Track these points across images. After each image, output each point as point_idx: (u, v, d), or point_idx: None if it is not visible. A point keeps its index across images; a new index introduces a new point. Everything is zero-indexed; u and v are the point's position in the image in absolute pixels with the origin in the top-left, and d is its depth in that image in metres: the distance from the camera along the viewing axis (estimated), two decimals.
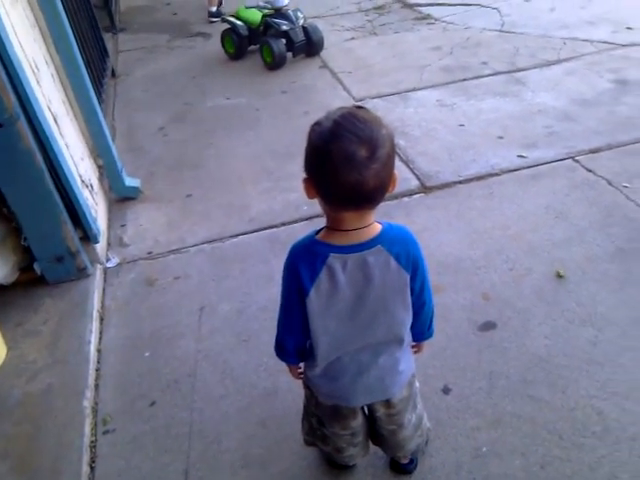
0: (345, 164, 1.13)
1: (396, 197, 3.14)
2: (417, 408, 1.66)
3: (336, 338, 1.40)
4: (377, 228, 1.30)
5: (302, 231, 3.03)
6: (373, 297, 1.33)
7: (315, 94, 4.55)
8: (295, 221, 3.09)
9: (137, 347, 2.41)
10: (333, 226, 1.29)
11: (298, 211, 3.15)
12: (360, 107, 1.22)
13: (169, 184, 3.54)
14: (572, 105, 3.94)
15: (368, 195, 1.19)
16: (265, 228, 3.07)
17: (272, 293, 2.61)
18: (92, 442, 2.03)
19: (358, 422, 1.60)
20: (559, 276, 2.53)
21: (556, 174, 3.25)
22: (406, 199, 3.16)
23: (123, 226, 3.19)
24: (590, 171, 3.22)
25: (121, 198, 3.40)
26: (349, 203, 1.22)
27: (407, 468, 1.82)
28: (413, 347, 1.58)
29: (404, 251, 1.31)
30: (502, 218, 2.95)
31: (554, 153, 3.42)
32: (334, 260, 1.28)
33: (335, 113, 1.18)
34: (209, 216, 3.20)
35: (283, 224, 3.08)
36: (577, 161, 3.33)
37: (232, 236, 3.03)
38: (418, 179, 3.31)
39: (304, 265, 1.31)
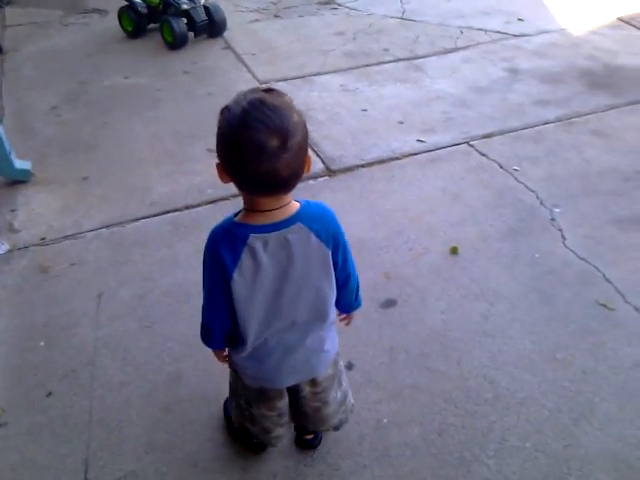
0: (255, 155, 1.11)
1: (302, 180, 3.14)
2: (342, 385, 1.68)
3: (263, 319, 1.38)
4: (295, 206, 1.30)
5: (207, 214, 3.03)
6: (297, 274, 1.33)
7: (218, 75, 4.47)
8: (199, 204, 3.04)
9: (31, 337, 2.29)
10: (250, 208, 1.27)
11: (202, 194, 3.10)
12: (270, 90, 1.19)
13: (63, 166, 3.37)
14: (468, 92, 4.12)
15: (281, 183, 1.19)
16: (168, 212, 2.99)
17: (176, 277, 2.56)
18: None
19: (284, 402, 1.60)
20: (454, 254, 2.66)
21: (452, 158, 3.39)
22: (312, 182, 3.19)
23: (13, 211, 3.01)
24: (484, 155, 3.39)
25: (11, 182, 3.20)
26: (262, 190, 1.21)
27: (312, 443, 1.86)
28: (343, 319, 1.64)
29: (323, 227, 1.32)
30: (402, 200, 3.05)
31: (451, 138, 3.57)
32: (255, 240, 1.26)
33: (244, 99, 1.14)
34: (107, 200, 3.08)
35: (187, 207, 3.02)
36: (472, 146, 3.49)
37: (132, 220, 2.93)
38: (323, 162, 3.35)
39: (225, 248, 1.28)
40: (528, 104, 3.93)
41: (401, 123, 3.74)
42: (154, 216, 2.97)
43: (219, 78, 4.43)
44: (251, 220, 1.27)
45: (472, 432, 1.92)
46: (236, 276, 1.29)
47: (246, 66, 4.58)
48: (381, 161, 3.37)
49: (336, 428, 1.80)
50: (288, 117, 1.14)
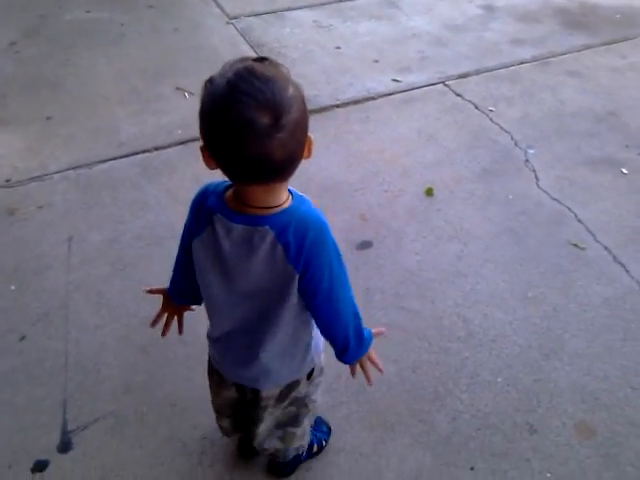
0: (244, 135, 0.94)
1: None
2: (295, 415, 1.48)
3: (216, 301, 1.26)
4: (282, 205, 1.10)
5: (177, 156, 2.96)
6: (254, 277, 1.15)
7: (185, 10, 4.29)
8: (169, 145, 2.96)
9: (1, 281, 2.24)
10: (237, 193, 1.11)
11: (172, 135, 3.02)
12: (262, 59, 1.01)
13: (25, 106, 3.22)
14: (444, 30, 4.04)
15: (275, 169, 1.01)
16: (136, 153, 2.91)
17: (148, 220, 2.52)
18: None
19: (231, 395, 1.46)
20: (429, 196, 2.66)
21: (428, 98, 3.35)
22: None
23: None
24: (459, 95, 3.35)
25: None
26: (253, 178, 1.03)
27: (280, 468, 1.69)
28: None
29: (297, 241, 1.09)
30: (378, 142, 3.02)
31: (426, 77, 3.52)
32: (218, 221, 1.12)
33: (230, 69, 0.97)
34: (73, 140, 2.97)
35: (156, 149, 2.94)
36: (447, 85, 3.44)
37: (100, 161, 2.84)
38: None
39: (193, 216, 1.19)
40: (504, 43, 3.88)
41: (376, 62, 3.67)
42: (122, 157, 2.88)
43: (186, 12, 4.25)
44: (230, 201, 1.12)
45: (445, 368, 1.97)
46: (196, 243, 1.18)
47: (214, 0, 4.39)
48: (356, 101, 3.31)
49: (272, 456, 1.61)
50: (282, 90, 0.96)
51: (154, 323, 1.50)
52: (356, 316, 1.27)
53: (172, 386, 1.90)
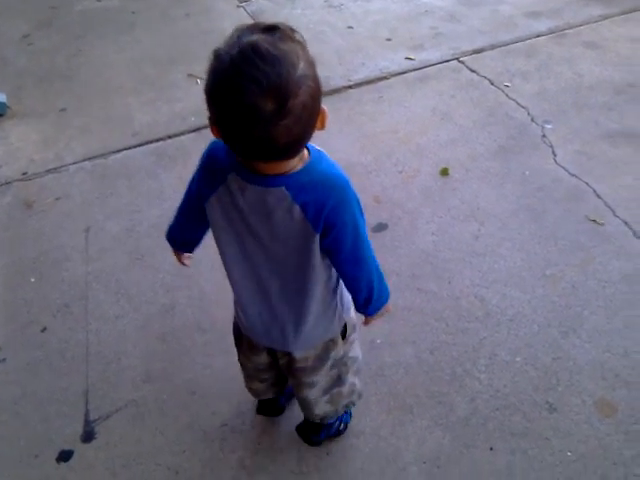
0: (247, 120, 0.90)
1: None
2: (339, 379, 1.49)
3: (238, 262, 1.23)
4: (298, 163, 1.06)
5: (191, 144, 2.96)
6: (274, 239, 1.14)
7: None
8: (182, 133, 2.97)
9: (21, 273, 2.28)
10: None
11: (185, 122, 3.03)
12: (272, 28, 0.93)
13: (40, 98, 3.25)
14: (457, 5, 3.97)
15: (281, 151, 0.98)
16: (151, 142, 2.93)
17: (164, 209, 2.53)
18: None
19: (263, 360, 1.47)
20: (445, 175, 2.63)
21: (442, 75, 3.30)
22: None
23: None
24: (474, 71, 3.30)
25: None
26: (257, 158, 1.02)
27: (310, 438, 1.71)
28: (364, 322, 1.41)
29: (317, 202, 1.06)
30: (391, 122, 2.98)
31: (440, 54, 3.46)
32: (232, 182, 1.09)
33: (237, 43, 0.91)
34: (88, 131, 3.00)
35: (169, 137, 2.96)
36: (462, 62, 3.39)
37: (115, 151, 2.86)
38: None
39: (204, 173, 1.17)
40: (519, 16, 3.80)
41: (389, 40, 3.62)
42: (137, 147, 2.90)
43: None
44: (244, 160, 1.08)
45: (463, 349, 1.96)
46: (212, 202, 1.15)
47: None
48: (369, 81, 3.27)
49: (321, 420, 1.61)
50: (289, 70, 0.89)
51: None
52: (377, 270, 1.27)
53: (191, 374, 1.92)
